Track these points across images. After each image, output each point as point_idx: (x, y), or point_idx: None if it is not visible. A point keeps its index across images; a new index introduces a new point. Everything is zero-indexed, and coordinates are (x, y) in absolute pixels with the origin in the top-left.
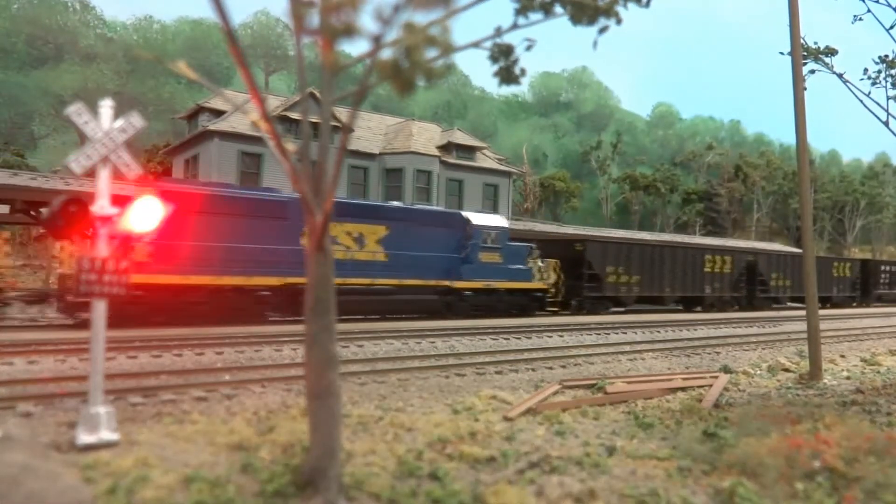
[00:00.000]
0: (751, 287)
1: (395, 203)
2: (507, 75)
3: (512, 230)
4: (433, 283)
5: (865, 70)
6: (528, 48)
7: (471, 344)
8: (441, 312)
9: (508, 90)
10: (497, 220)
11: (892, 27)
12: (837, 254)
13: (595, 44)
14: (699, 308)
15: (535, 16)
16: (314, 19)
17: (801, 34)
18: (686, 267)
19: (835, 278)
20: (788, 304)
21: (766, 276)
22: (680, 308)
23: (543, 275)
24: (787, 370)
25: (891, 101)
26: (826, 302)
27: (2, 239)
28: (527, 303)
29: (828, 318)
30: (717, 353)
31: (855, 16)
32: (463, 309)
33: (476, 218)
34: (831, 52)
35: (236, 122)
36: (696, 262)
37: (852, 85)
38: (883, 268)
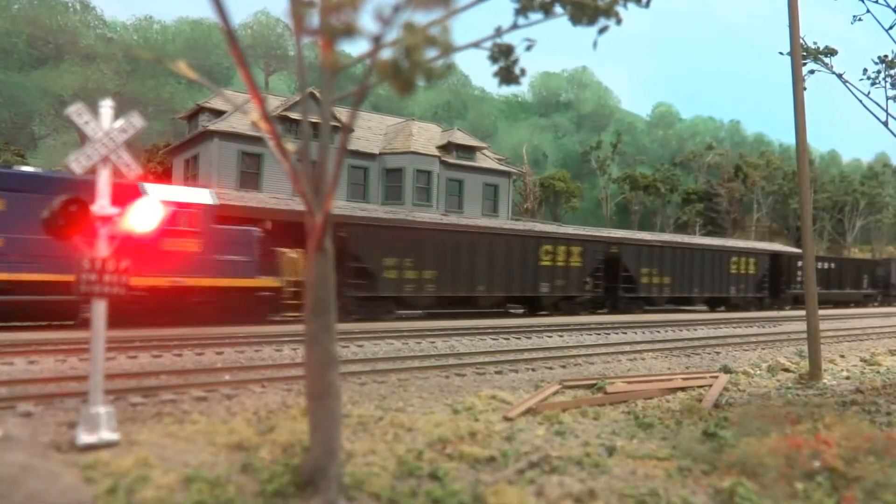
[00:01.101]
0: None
1: (20, 168)
2: (507, 75)
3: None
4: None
5: (865, 70)
6: (528, 48)
7: (471, 344)
8: (77, 322)
9: (508, 90)
10: (195, 194)
11: (891, 27)
12: (837, 254)
13: (595, 44)
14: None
15: (535, 16)
16: (314, 19)
17: (801, 34)
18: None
19: (734, 275)
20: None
21: (635, 272)
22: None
23: (289, 270)
24: (786, 370)
25: (890, 101)
26: (722, 304)
27: None
28: (248, 305)
29: (828, 318)
30: (717, 353)
31: (855, 16)
32: (134, 316)
33: (157, 189)
34: (831, 52)
35: (236, 122)
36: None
37: (852, 85)
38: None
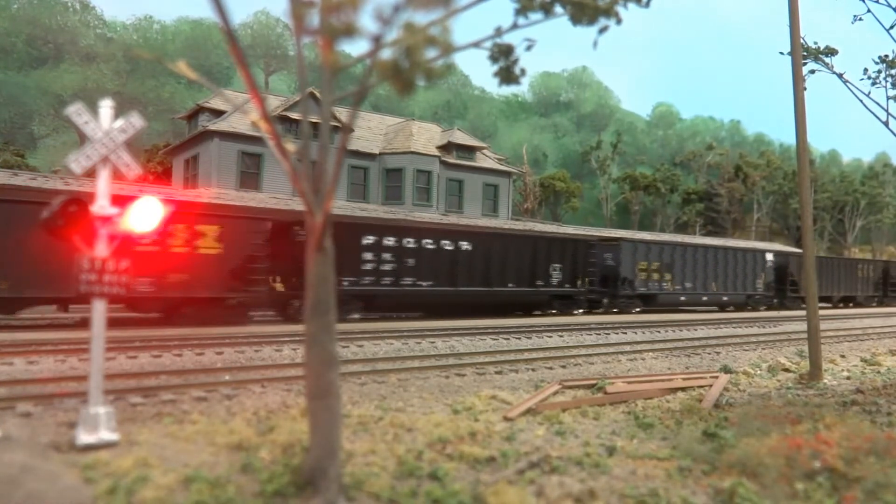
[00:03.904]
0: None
1: None
2: (507, 75)
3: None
4: None
5: (865, 70)
6: (528, 48)
7: (471, 344)
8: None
9: (508, 90)
10: None
11: (892, 27)
12: (837, 254)
13: (595, 44)
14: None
15: (535, 16)
16: (314, 19)
17: (801, 34)
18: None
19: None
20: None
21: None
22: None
23: None
24: (787, 370)
25: (891, 101)
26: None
27: None
28: None
29: (828, 318)
30: (717, 353)
31: (855, 16)
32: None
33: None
34: (831, 52)
35: (236, 122)
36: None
37: (852, 85)
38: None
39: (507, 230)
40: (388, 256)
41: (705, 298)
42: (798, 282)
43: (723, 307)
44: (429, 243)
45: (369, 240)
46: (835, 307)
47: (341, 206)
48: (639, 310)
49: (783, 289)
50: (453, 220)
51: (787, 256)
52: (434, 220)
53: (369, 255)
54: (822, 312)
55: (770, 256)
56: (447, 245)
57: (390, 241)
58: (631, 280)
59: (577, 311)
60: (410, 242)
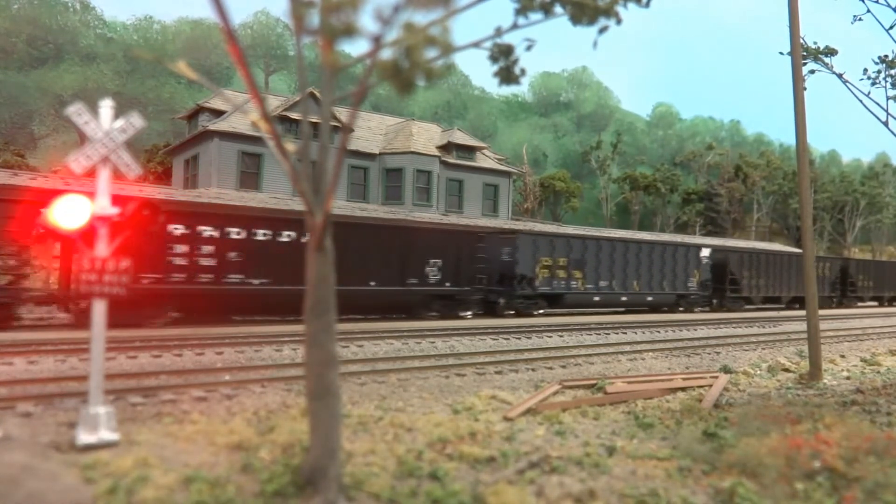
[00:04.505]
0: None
1: None
2: (507, 75)
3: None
4: None
5: (865, 70)
6: (528, 48)
7: (471, 344)
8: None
9: (508, 90)
10: None
11: (892, 27)
12: (837, 254)
13: (595, 44)
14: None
15: (535, 16)
16: (314, 19)
17: (801, 34)
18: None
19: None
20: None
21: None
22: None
23: None
24: (787, 370)
25: (891, 101)
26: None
27: None
28: None
29: (828, 318)
30: (717, 353)
31: (855, 16)
32: None
33: None
34: (831, 52)
35: (236, 122)
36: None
37: (852, 85)
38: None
39: (367, 219)
40: (205, 249)
41: (625, 299)
42: (739, 280)
43: (655, 308)
44: (261, 234)
45: (178, 229)
46: (788, 308)
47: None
48: (542, 311)
49: (722, 288)
50: (293, 208)
51: (727, 253)
52: (270, 207)
53: (178, 248)
54: (821, 313)
55: (706, 252)
56: (287, 237)
57: (207, 231)
58: (530, 278)
59: (464, 314)
60: (236, 233)
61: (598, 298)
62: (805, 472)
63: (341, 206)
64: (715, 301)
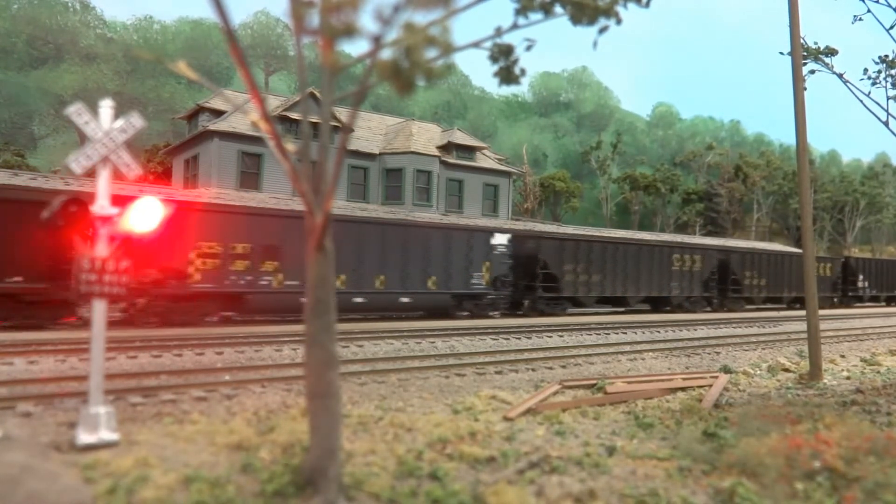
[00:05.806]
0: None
1: None
2: (507, 75)
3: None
4: None
5: (865, 70)
6: (528, 48)
7: (471, 344)
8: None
9: (508, 90)
10: None
11: (892, 27)
12: (836, 254)
13: (595, 44)
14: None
15: (535, 16)
16: (314, 19)
17: (801, 34)
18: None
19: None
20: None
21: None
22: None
23: None
24: (787, 370)
25: (891, 101)
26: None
27: None
28: None
29: (828, 318)
30: (717, 353)
31: (855, 16)
32: None
33: None
34: (831, 52)
35: (236, 122)
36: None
37: (852, 85)
38: None
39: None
40: None
41: (359, 300)
42: (559, 277)
43: (429, 311)
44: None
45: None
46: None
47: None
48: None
49: (532, 286)
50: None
51: (538, 240)
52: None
53: None
54: (821, 313)
55: (500, 240)
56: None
57: None
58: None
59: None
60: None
61: (359, 300)
62: (805, 472)
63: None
64: (524, 302)
